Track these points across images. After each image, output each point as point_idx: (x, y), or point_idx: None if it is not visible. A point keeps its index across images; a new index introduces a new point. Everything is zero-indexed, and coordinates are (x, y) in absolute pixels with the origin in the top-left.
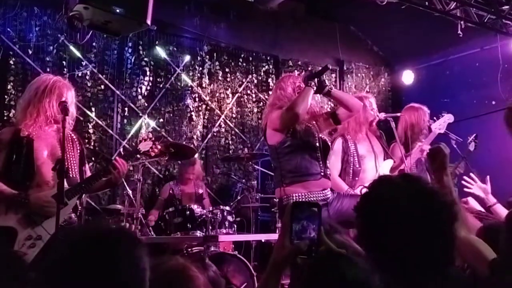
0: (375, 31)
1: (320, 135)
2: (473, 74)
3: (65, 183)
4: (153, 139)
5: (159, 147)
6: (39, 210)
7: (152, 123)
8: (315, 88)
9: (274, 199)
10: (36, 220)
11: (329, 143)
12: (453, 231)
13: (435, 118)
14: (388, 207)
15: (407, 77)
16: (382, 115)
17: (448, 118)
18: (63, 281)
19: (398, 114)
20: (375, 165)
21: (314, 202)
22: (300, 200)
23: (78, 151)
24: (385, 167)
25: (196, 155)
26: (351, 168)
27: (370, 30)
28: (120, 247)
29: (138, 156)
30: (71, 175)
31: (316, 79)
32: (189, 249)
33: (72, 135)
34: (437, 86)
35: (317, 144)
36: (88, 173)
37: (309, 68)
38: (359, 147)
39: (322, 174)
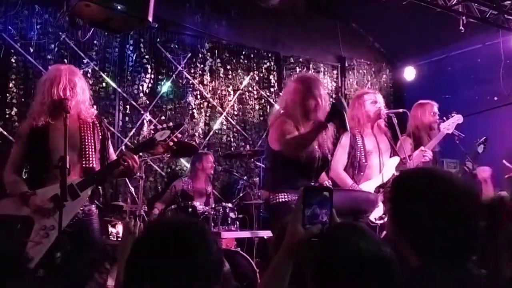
0: (376, 28)
1: (323, 150)
2: (475, 70)
3: (79, 174)
4: (172, 127)
5: (179, 135)
6: (38, 209)
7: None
8: (328, 129)
9: None
10: (50, 212)
11: (330, 159)
12: (477, 224)
13: (444, 118)
14: (418, 196)
15: (409, 73)
16: (384, 112)
17: (457, 118)
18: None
19: (400, 110)
20: (380, 162)
21: (325, 187)
22: (287, 199)
23: (100, 136)
24: (391, 164)
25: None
26: (357, 163)
27: (372, 27)
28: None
29: (151, 149)
30: (89, 165)
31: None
32: None
33: (94, 120)
34: (438, 82)
35: (315, 165)
36: (113, 157)
37: (311, 65)
38: (367, 143)
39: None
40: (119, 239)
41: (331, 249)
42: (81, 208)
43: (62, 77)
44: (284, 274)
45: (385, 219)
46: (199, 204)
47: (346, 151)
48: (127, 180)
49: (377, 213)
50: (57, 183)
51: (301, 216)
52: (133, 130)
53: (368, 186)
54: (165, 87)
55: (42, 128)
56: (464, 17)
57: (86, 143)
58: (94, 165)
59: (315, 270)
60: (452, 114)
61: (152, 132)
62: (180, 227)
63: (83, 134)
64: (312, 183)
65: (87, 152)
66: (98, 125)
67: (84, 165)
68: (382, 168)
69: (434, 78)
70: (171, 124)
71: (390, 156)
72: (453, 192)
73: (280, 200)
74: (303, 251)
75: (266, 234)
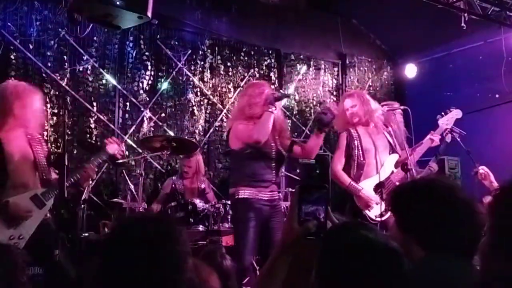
0: (377, 25)
1: (278, 147)
2: (476, 67)
3: (40, 183)
4: (119, 141)
5: (123, 149)
6: (18, 217)
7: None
8: (275, 112)
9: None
10: (16, 222)
11: (285, 155)
12: (478, 225)
13: (443, 113)
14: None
15: (410, 70)
16: (385, 109)
17: (456, 113)
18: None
19: (401, 107)
20: (378, 160)
21: (321, 184)
22: (247, 195)
23: (46, 152)
24: (390, 161)
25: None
26: (356, 162)
27: (373, 24)
28: (167, 229)
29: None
30: (44, 176)
31: (278, 102)
32: (192, 244)
33: (39, 136)
34: (440, 79)
35: (273, 155)
36: (52, 172)
37: (311, 62)
38: (364, 141)
39: (273, 181)
40: None
41: (340, 243)
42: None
43: (29, 94)
44: (280, 271)
45: (385, 217)
46: (199, 202)
47: (343, 150)
48: (127, 178)
49: (376, 211)
50: (18, 193)
51: (297, 213)
52: (133, 127)
53: (368, 184)
54: (165, 84)
55: None
56: (466, 14)
57: (39, 156)
58: (48, 176)
59: (322, 265)
60: (451, 109)
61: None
62: (144, 221)
63: (34, 149)
64: (273, 177)
65: (40, 164)
66: (43, 141)
67: (42, 176)
68: (380, 166)
69: (436, 75)
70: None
71: (389, 154)
72: (453, 193)
73: (241, 196)
74: (299, 249)
75: None
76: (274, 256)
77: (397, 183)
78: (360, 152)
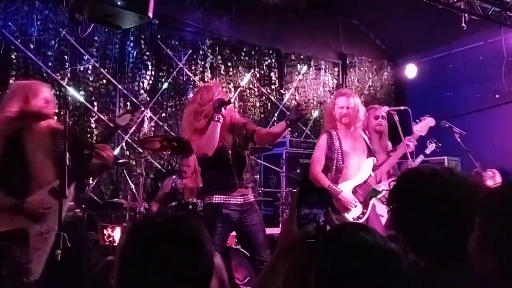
0: (378, 25)
1: (236, 150)
2: (476, 67)
3: (55, 174)
4: (130, 110)
5: (138, 116)
6: (37, 214)
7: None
8: (221, 121)
9: (277, 194)
10: (39, 218)
11: (246, 157)
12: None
13: (417, 120)
14: (420, 194)
15: (410, 70)
16: (386, 109)
17: (429, 121)
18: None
19: (402, 108)
20: (357, 163)
21: (321, 187)
22: (216, 201)
23: (70, 139)
24: (367, 165)
25: None
26: (334, 165)
27: (373, 24)
28: (200, 236)
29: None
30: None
31: (220, 111)
32: None
33: (59, 128)
34: (440, 79)
35: (230, 161)
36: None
37: (312, 62)
38: (344, 144)
39: (238, 185)
40: (115, 243)
41: (338, 244)
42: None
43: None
44: (278, 274)
45: (362, 220)
46: (199, 201)
47: (324, 152)
48: (128, 177)
49: (355, 213)
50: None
51: (296, 216)
52: (134, 127)
53: (346, 186)
54: (166, 84)
55: (18, 142)
56: (466, 14)
57: (60, 148)
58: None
59: (321, 267)
60: (424, 117)
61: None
62: (172, 223)
63: (54, 141)
64: (236, 181)
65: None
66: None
67: (57, 166)
68: (358, 169)
69: (436, 75)
70: (130, 107)
71: (367, 157)
72: (450, 188)
73: (212, 201)
74: (298, 251)
75: (267, 231)
76: (273, 258)
77: (374, 187)
78: (340, 156)
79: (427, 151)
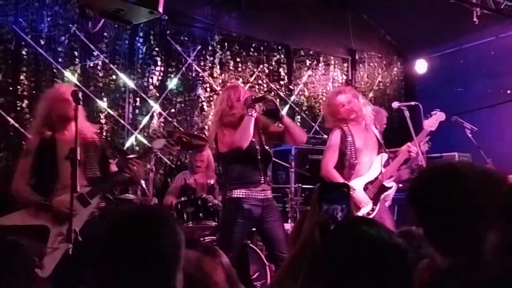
0: (388, 20)
1: (263, 147)
2: (488, 62)
3: (86, 183)
4: (166, 135)
5: (172, 143)
6: (63, 214)
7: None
8: (255, 115)
9: (286, 189)
10: (63, 220)
11: (271, 154)
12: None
13: (428, 115)
14: (446, 192)
15: (420, 66)
16: (396, 104)
17: (440, 116)
18: (107, 252)
19: (412, 103)
20: (369, 159)
21: (342, 183)
22: (239, 195)
23: (99, 148)
24: (378, 161)
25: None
26: (347, 161)
27: (383, 19)
28: (160, 220)
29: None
30: (90, 175)
31: (257, 105)
32: (202, 239)
33: (92, 136)
34: (451, 75)
35: (259, 156)
36: (114, 168)
37: (321, 58)
38: (356, 140)
39: (262, 182)
40: None
41: (341, 239)
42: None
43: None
44: (297, 272)
45: (372, 215)
46: (209, 197)
47: (337, 149)
48: None
49: (365, 210)
50: (66, 192)
51: (317, 213)
52: (143, 123)
53: (358, 183)
54: (175, 79)
55: (50, 143)
56: (478, 9)
57: (89, 154)
58: (97, 174)
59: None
60: (435, 112)
61: (152, 135)
62: (134, 214)
63: (82, 149)
64: (261, 177)
65: (91, 163)
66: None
67: (87, 175)
68: (370, 165)
69: (446, 71)
70: (165, 132)
71: (378, 153)
72: (471, 186)
73: (233, 196)
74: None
75: None
76: (291, 255)
77: (385, 183)
78: (353, 152)
79: (423, 150)
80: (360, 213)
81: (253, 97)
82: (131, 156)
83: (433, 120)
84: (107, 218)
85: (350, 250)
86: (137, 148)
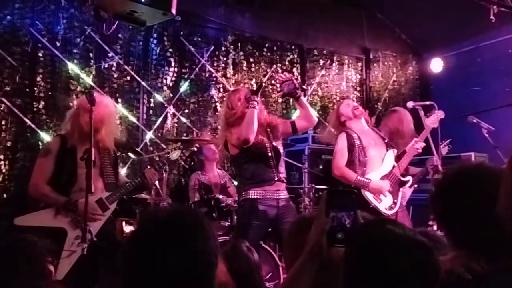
0: (402, 18)
1: (272, 144)
2: (505, 61)
3: (103, 188)
4: (182, 148)
5: (187, 154)
6: (82, 217)
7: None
8: (257, 107)
9: (300, 190)
10: (83, 222)
11: (281, 150)
12: None
13: (428, 114)
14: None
15: (436, 65)
16: (411, 104)
17: (440, 114)
18: (139, 259)
19: (427, 103)
20: (377, 153)
21: (350, 189)
22: (254, 196)
23: (113, 156)
24: (390, 156)
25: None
26: (358, 160)
27: (398, 17)
28: (198, 226)
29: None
30: (107, 180)
31: (258, 94)
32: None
33: (108, 143)
34: (467, 74)
35: (269, 153)
36: (121, 176)
37: (335, 58)
38: (363, 139)
39: (276, 179)
40: None
41: (365, 239)
42: None
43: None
44: (307, 277)
45: (394, 209)
46: (222, 197)
47: (345, 151)
48: None
49: (386, 203)
50: (82, 196)
51: (324, 220)
52: (157, 123)
53: (374, 176)
54: (188, 80)
55: (71, 148)
56: (495, 6)
57: (104, 161)
58: (112, 180)
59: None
60: (435, 110)
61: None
62: (174, 216)
63: (101, 155)
64: (274, 174)
65: (105, 168)
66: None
67: (105, 180)
68: (381, 160)
69: (463, 69)
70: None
71: (387, 149)
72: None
73: (249, 196)
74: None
75: None
76: (301, 262)
77: (400, 177)
78: (362, 150)
79: (443, 153)
80: (381, 205)
81: (250, 90)
82: (150, 168)
83: (434, 118)
84: (141, 223)
85: (378, 248)
86: (151, 148)
